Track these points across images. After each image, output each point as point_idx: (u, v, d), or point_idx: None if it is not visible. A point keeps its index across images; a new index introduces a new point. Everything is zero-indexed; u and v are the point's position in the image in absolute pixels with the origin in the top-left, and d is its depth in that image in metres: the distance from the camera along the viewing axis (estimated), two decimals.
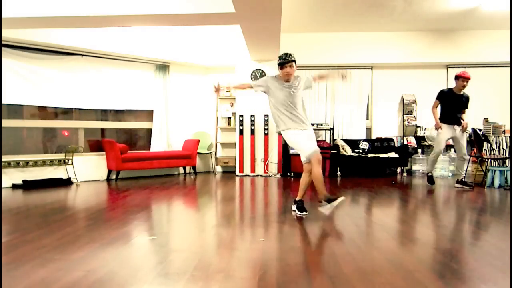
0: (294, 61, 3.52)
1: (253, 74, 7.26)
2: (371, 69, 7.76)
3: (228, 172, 7.63)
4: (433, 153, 5.40)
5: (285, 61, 3.49)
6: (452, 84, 7.55)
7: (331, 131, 7.54)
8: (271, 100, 3.67)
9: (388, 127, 7.77)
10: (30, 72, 5.83)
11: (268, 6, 4.25)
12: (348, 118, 7.74)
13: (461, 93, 5.24)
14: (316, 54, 7.48)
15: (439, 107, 5.36)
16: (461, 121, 5.26)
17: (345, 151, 7.13)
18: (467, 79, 5.15)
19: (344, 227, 3.16)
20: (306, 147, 3.42)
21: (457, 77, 5.24)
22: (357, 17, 6.60)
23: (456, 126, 5.25)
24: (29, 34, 5.60)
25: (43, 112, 6.25)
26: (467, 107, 5.32)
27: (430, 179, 5.50)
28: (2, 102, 5.51)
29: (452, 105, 5.25)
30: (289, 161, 7.05)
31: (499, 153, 6.06)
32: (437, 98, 5.36)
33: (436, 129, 5.31)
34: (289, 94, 3.53)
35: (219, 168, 7.82)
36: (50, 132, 6.46)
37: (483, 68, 7.52)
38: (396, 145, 7.35)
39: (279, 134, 4.14)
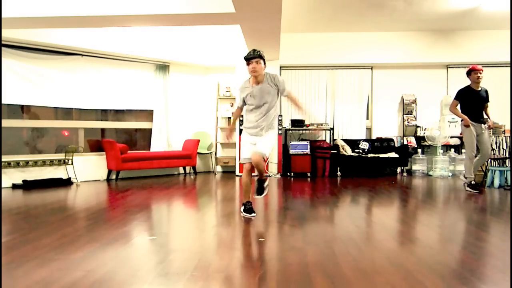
0: (260, 57, 3.35)
1: None
2: (371, 69, 7.77)
3: (228, 172, 7.62)
4: (468, 157, 4.94)
5: (249, 56, 3.35)
6: (452, 84, 7.63)
7: (331, 131, 7.54)
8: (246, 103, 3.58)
9: (388, 127, 7.77)
10: (30, 72, 5.83)
11: (268, 6, 4.26)
12: (348, 118, 7.74)
13: (479, 88, 4.98)
14: (316, 54, 7.49)
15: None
16: (487, 119, 4.98)
17: (345, 151, 7.13)
18: (479, 70, 4.93)
19: (344, 227, 3.16)
20: (243, 152, 3.56)
21: (468, 72, 5.00)
22: (357, 17, 6.61)
23: (483, 125, 4.94)
24: (29, 34, 5.60)
25: (43, 112, 6.25)
26: (488, 101, 5.04)
27: (474, 186, 4.92)
28: (2, 102, 5.52)
29: (473, 102, 4.95)
30: (289, 161, 7.04)
31: (499, 153, 6.05)
32: (455, 98, 5.07)
33: (466, 126, 4.88)
34: (257, 94, 3.40)
35: (219, 168, 7.82)
36: (36, 131, 6.38)
37: (483, 68, 7.51)
38: (396, 145, 7.35)
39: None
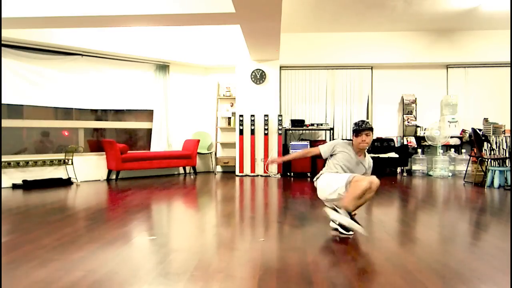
0: (371, 129, 3.08)
1: (253, 74, 7.26)
2: (371, 69, 7.77)
3: (228, 172, 7.62)
4: None
5: (361, 128, 3.03)
6: (452, 84, 7.63)
7: (331, 131, 7.54)
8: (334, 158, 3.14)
9: (388, 127, 7.77)
10: (30, 72, 5.83)
11: (268, 6, 4.25)
12: (348, 118, 7.74)
13: None
14: (316, 54, 7.49)
15: None
16: None
17: None
18: None
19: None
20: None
21: None
22: (357, 17, 6.61)
23: None
24: (29, 34, 5.60)
25: (43, 112, 6.24)
26: None
27: None
28: (2, 102, 5.52)
29: None
30: (289, 161, 7.04)
31: (499, 153, 6.05)
32: None
33: None
34: (355, 164, 3.12)
35: (219, 168, 7.82)
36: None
37: (483, 68, 7.53)
38: (396, 145, 7.35)
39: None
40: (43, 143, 6.29)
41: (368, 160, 3.26)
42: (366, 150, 3.23)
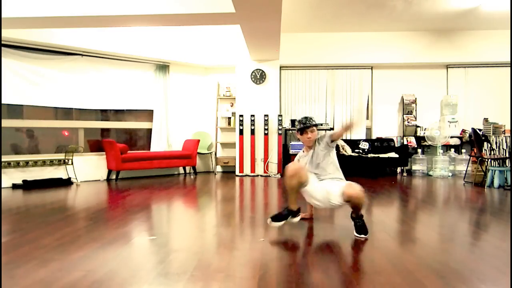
0: (315, 125, 3.13)
1: (253, 74, 7.27)
2: (371, 69, 7.77)
3: (228, 172, 7.63)
4: None
5: (305, 125, 3.08)
6: (452, 84, 7.64)
7: (331, 131, 7.53)
8: None
9: (388, 127, 7.77)
10: (30, 72, 5.84)
11: (268, 6, 4.26)
12: (348, 118, 7.74)
13: None
14: (316, 54, 7.49)
15: None
16: None
17: (345, 151, 7.13)
18: None
19: (344, 227, 3.15)
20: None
21: None
22: (357, 17, 6.61)
23: None
24: (29, 34, 5.61)
25: (43, 112, 6.24)
26: None
27: None
28: (2, 102, 5.52)
29: None
30: (289, 161, 7.03)
31: (499, 153, 6.05)
32: None
33: None
34: (310, 164, 3.13)
35: (219, 168, 7.82)
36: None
37: (483, 68, 7.53)
38: (396, 145, 7.35)
39: None
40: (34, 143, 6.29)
41: (318, 146, 3.18)
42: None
